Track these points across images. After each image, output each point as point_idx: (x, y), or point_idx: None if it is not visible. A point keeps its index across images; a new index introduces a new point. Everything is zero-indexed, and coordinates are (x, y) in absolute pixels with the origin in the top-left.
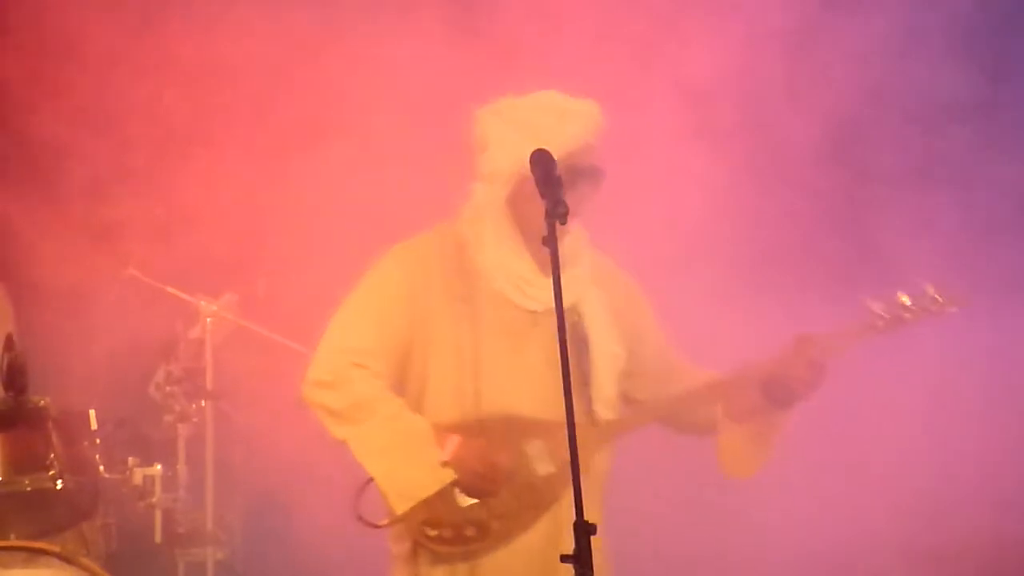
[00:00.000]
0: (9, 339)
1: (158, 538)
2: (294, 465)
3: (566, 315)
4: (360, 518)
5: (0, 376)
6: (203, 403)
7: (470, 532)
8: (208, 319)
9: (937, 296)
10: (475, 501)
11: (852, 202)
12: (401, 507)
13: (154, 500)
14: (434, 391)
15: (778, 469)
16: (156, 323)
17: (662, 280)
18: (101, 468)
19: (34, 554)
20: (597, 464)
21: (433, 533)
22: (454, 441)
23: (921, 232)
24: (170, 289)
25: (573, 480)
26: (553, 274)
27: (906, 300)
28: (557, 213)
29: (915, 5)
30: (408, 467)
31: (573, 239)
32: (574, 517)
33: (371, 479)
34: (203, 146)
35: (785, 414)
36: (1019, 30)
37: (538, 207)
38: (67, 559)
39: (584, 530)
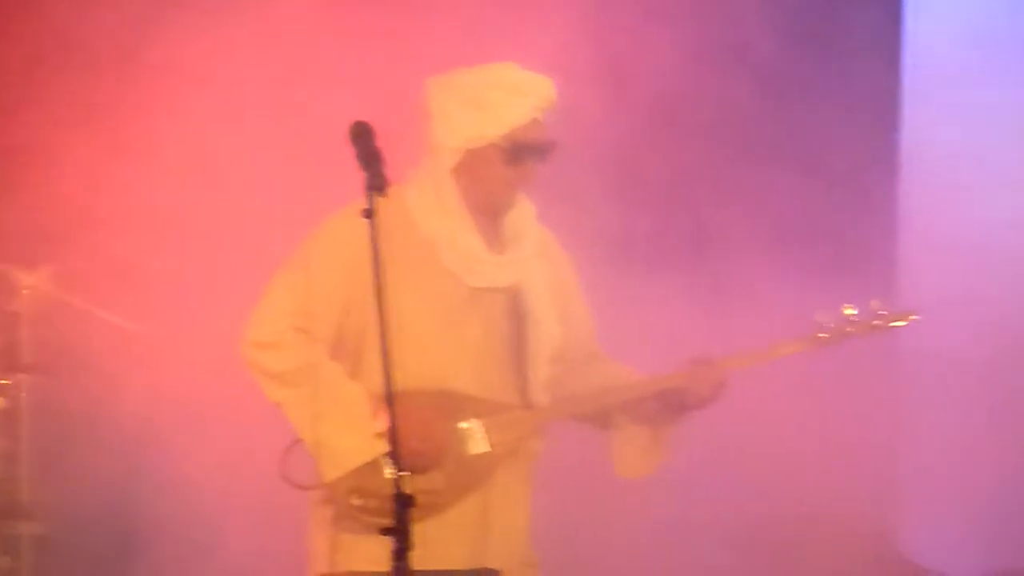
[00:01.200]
0: None
1: None
2: (112, 440)
3: (509, 292)
4: (285, 478)
5: None
6: (19, 377)
7: None
8: (24, 291)
9: (882, 311)
10: (405, 473)
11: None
12: (331, 474)
13: None
14: (369, 361)
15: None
16: None
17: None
18: None
19: None
20: (533, 449)
21: (359, 502)
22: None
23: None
24: None
25: (391, 447)
26: (372, 243)
27: (852, 313)
28: (376, 186)
29: None
30: (342, 435)
31: (519, 215)
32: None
33: (298, 440)
34: (26, 114)
35: (678, 420)
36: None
37: (484, 181)
38: None
39: (403, 502)
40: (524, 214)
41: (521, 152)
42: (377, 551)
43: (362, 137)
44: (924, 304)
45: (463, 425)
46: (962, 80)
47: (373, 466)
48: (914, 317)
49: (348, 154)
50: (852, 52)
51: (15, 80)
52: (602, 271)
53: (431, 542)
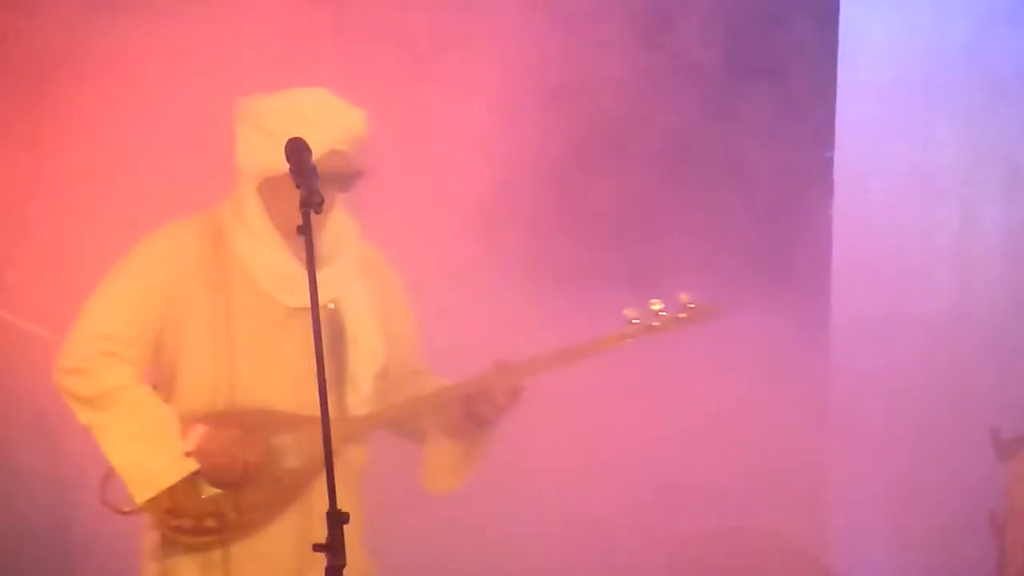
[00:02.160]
0: None
1: None
2: (38, 453)
3: (326, 311)
4: (105, 502)
5: None
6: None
7: (210, 523)
8: None
9: (690, 304)
10: (218, 492)
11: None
12: (141, 496)
13: None
14: (185, 380)
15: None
16: None
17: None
18: None
19: None
20: (349, 458)
21: (174, 523)
22: (198, 431)
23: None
24: None
25: (327, 470)
26: (308, 265)
27: (658, 307)
28: (312, 203)
29: None
30: (149, 456)
31: (336, 233)
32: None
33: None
34: None
35: (485, 433)
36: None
37: (288, 202)
38: None
39: (337, 519)
40: (343, 233)
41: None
42: (203, 573)
43: (297, 153)
44: (857, 320)
45: (276, 441)
46: (895, 94)
47: (188, 486)
48: (719, 311)
49: None
50: (788, 71)
51: None
52: (540, 297)
53: (256, 563)
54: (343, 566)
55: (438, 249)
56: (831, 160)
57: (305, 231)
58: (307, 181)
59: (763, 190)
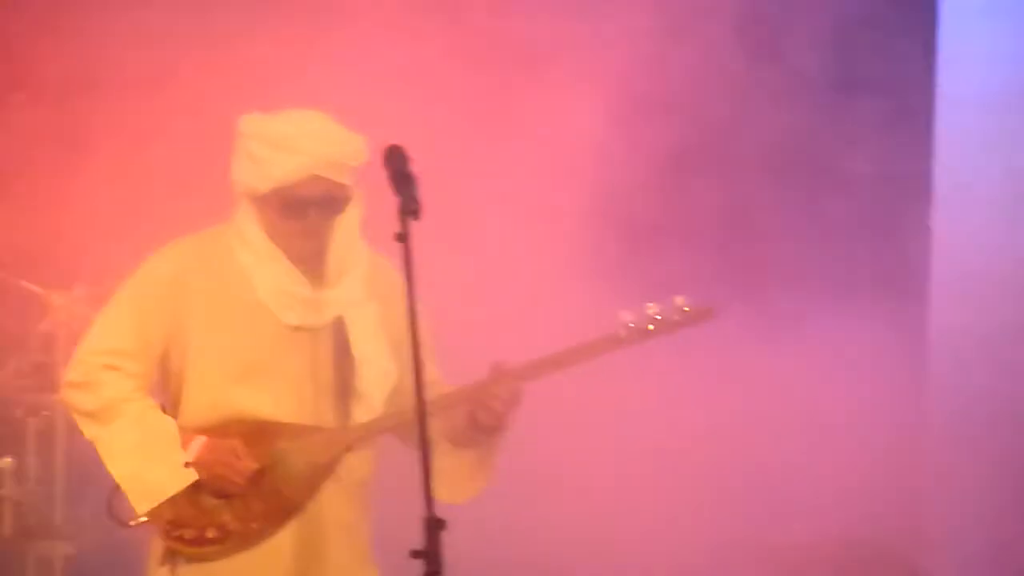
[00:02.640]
0: None
1: (7, 531)
2: None
3: (330, 329)
4: (112, 515)
5: None
6: (54, 396)
7: (211, 534)
8: (58, 312)
9: (685, 307)
10: (220, 503)
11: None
12: (142, 508)
13: (4, 492)
14: (190, 395)
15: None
16: (5, 316)
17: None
18: None
19: None
20: (353, 470)
21: (176, 533)
22: (199, 442)
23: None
24: (22, 282)
25: (424, 473)
26: (406, 271)
27: (653, 311)
28: (409, 210)
29: None
30: (150, 468)
31: (341, 255)
32: (425, 513)
33: None
34: (56, 137)
35: (492, 441)
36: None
37: (272, 227)
38: None
39: (434, 525)
40: (348, 255)
41: (294, 208)
42: None
43: (395, 160)
44: (956, 329)
45: (277, 450)
46: (996, 106)
47: (189, 497)
48: (713, 314)
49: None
50: (888, 81)
51: (47, 101)
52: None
53: (257, 570)
54: (439, 573)
55: (545, 255)
56: (931, 170)
57: (403, 239)
58: (405, 189)
59: (863, 199)
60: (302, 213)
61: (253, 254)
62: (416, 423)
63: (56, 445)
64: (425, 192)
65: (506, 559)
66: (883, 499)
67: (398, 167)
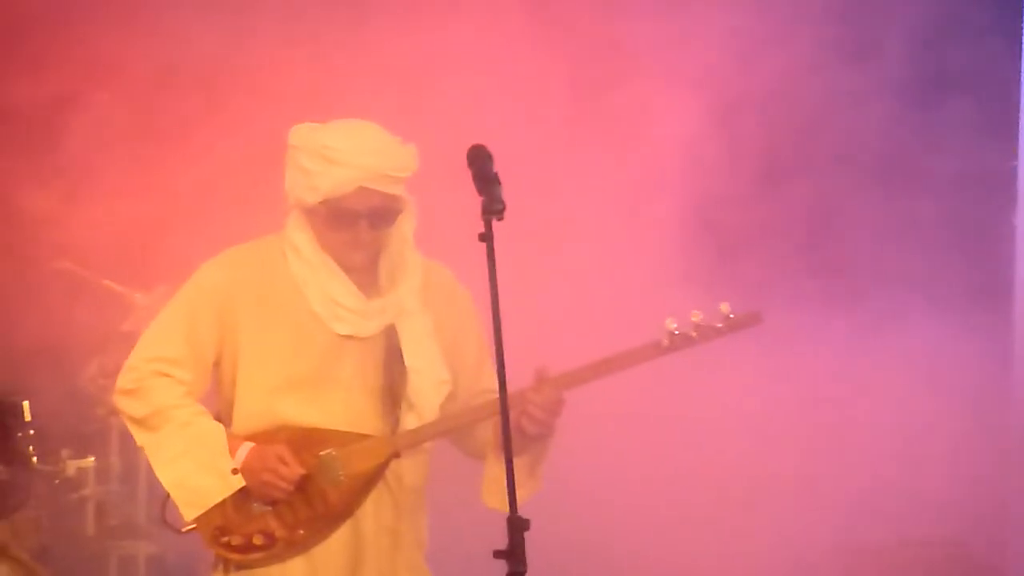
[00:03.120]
0: None
1: (90, 531)
2: None
3: (381, 338)
4: (165, 522)
5: None
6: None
7: (258, 540)
8: (139, 312)
9: (730, 314)
10: (268, 509)
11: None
12: (190, 514)
13: (87, 492)
14: (241, 402)
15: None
16: (89, 316)
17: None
18: (34, 460)
19: None
20: (403, 477)
21: (223, 540)
22: (246, 448)
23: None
24: (105, 281)
25: (507, 472)
26: (489, 271)
27: (697, 318)
28: (493, 210)
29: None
30: (197, 474)
31: (393, 264)
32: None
33: None
34: (140, 141)
35: (541, 448)
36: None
37: (334, 232)
38: None
39: (517, 526)
40: (401, 264)
41: (343, 219)
42: None
43: (478, 160)
44: None
45: (324, 457)
46: None
47: (237, 503)
48: (758, 321)
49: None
50: (973, 82)
51: (129, 102)
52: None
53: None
54: (523, 573)
55: (635, 257)
56: (1015, 169)
57: (487, 239)
58: (488, 189)
59: (948, 199)
60: (351, 225)
61: (305, 264)
62: (501, 423)
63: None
64: (516, 193)
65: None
66: (966, 503)
67: (481, 167)
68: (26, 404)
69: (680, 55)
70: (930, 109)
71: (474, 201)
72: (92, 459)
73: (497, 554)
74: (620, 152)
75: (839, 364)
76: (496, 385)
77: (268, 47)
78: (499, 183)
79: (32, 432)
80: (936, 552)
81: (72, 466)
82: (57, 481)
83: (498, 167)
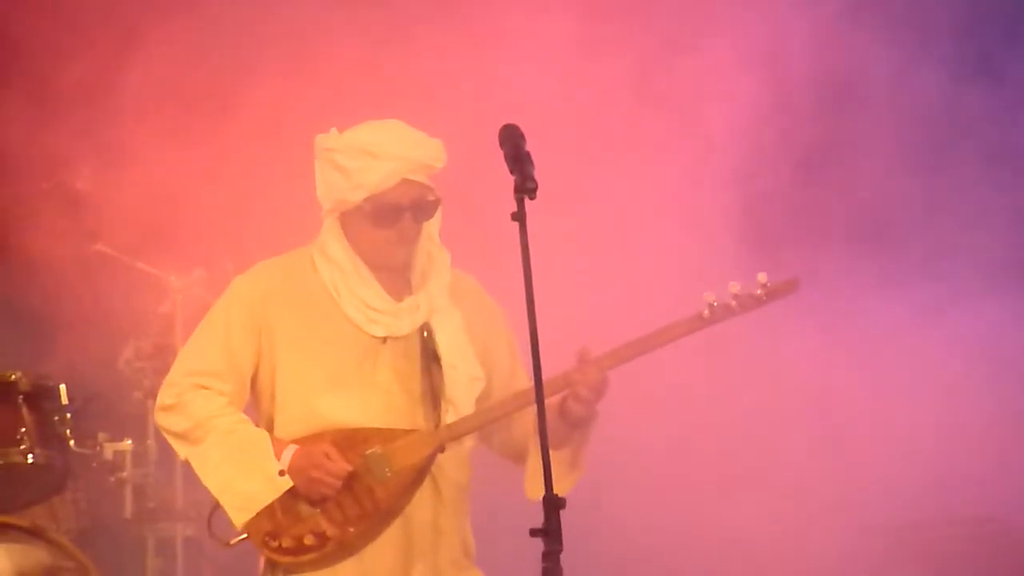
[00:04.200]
0: None
1: (128, 513)
2: None
3: (416, 337)
4: (212, 535)
5: None
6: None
7: (309, 541)
8: (177, 295)
9: (767, 283)
10: (316, 510)
11: None
12: (239, 519)
13: (124, 475)
14: (282, 410)
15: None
16: (126, 299)
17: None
18: (71, 443)
19: (3, 528)
20: (448, 473)
21: (274, 544)
22: (291, 450)
23: None
24: (140, 264)
25: (543, 455)
26: (522, 252)
27: (735, 289)
28: (526, 188)
29: None
30: (244, 479)
31: (425, 262)
32: (545, 491)
33: None
34: (175, 123)
35: (582, 433)
36: None
37: (362, 239)
38: (36, 533)
39: (553, 504)
40: (433, 262)
41: (388, 214)
42: None
43: (511, 140)
44: None
45: (369, 453)
46: None
47: (286, 506)
48: (795, 288)
49: None
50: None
51: (165, 86)
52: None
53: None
54: (560, 551)
55: (688, 238)
56: None
57: (520, 217)
58: (521, 168)
59: (1009, 177)
60: (395, 220)
61: (336, 271)
62: (536, 404)
63: None
64: (565, 171)
65: (598, 549)
66: (1012, 480)
67: (514, 146)
68: (63, 387)
69: (742, 38)
70: (989, 85)
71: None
72: (129, 442)
73: (534, 532)
74: (674, 133)
75: (895, 343)
76: (529, 384)
77: (307, 22)
78: (531, 162)
79: (69, 416)
80: (979, 530)
81: (109, 449)
82: (95, 464)
83: (545, 146)
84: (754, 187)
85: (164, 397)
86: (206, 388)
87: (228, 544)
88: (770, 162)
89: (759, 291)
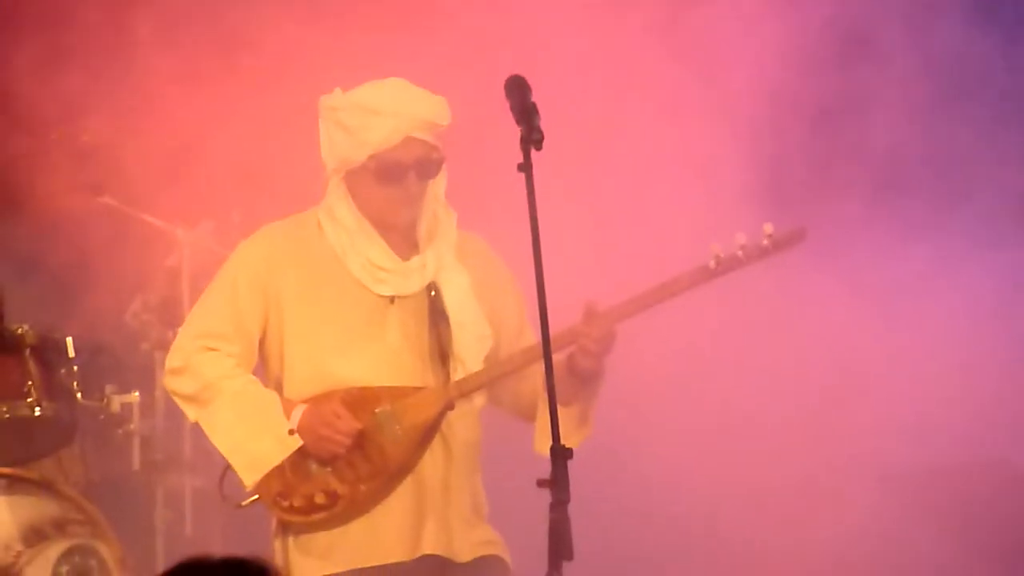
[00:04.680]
0: None
1: (136, 465)
2: None
3: (424, 295)
4: (224, 497)
5: None
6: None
7: (320, 499)
8: (185, 248)
9: (772, 233)
10: (327, 469)
11: None
12: (249, 479)
13: (132, 427)
14: (291, 372)
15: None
16: (132, 252)
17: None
18: (79, 395)
19: (12, 481)
20: (458, 431)
21: (286, 504)
22: (300, 409)
23: None
24: (146, 217)
25: (551, 408)
26: (529, 206)
27: (741, 240)
28: (532, 139)
29: None
30: (253, 439)
31: (431, 221)
32: (552, 443)
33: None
34: (180, 75)
35: (591, 389)
36: None
37: (368, 199)
38: (45, 486)
39: (560, 454)
40: (439, 221)
41: (392, 172)
42: (324, 555)
43: (517, 91)
44: None
45: (379, 411)
46: None
47: (296, 465)
48: (801, 237)
49: None
50: None
51: (173, 41)
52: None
53: (368, 532)
54: (567, 501)
55: (704, 183)
56: None
57: (526, 168)
58: (527, 119)
59: None
60: (400, 178)
61: (343, 231)
62: (543, 358)
63: None
64: (578, 123)
65: (614, 508)
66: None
67: (520, 97)
68: (69, 340)
69: None
70: (1012, 25)
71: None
72: (136, 394)
73: (541, 483)
74: (691, 82)
75: (915, 291)
76: (536, 341)
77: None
78: (537, 113)
79: (76, 368)
80: (998, 475)
81: (117, 401)
82: (102, 417)
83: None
84: (772, 138)
85: (172, 360)
86: (214, 350)
87: (239, 505)
88: (790, 112)
89: (765, 241)
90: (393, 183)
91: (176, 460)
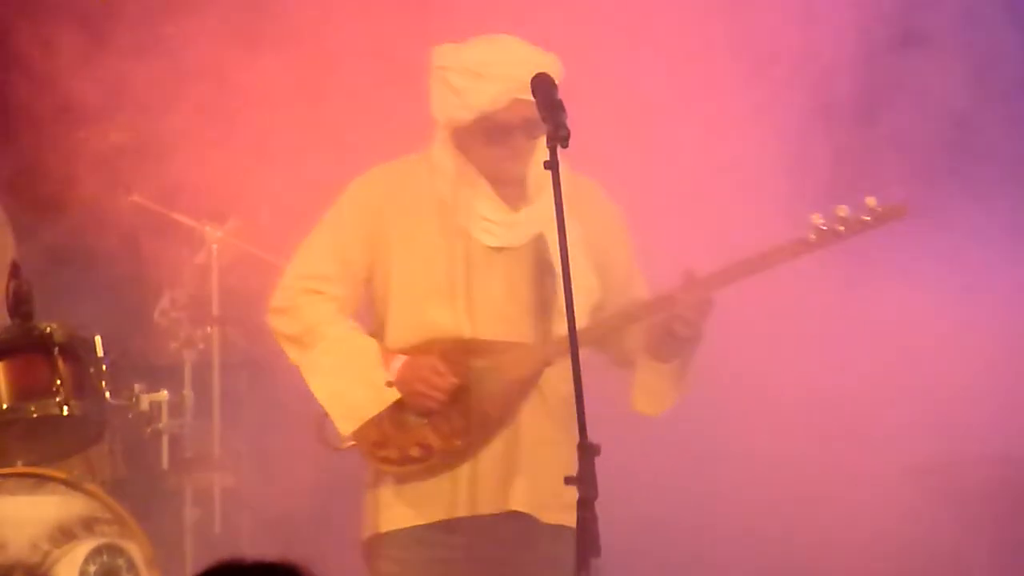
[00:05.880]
0: (14, 266)
1: (165, 464)
2: (300, 390)
3: (530, 247)
4: (321, 440)
5: (6, 303)
6: (209, 329)
7: (415, 452)
8: (213, 245)
9: (876, 207)
10: (424, 421)
11: None
12: (346, 428)
13: (161, 426)
14: (394, 317)
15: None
16: (161, 249)
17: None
18: (107, 394)
19: (40, 480)
20: (555, 386)
21: (381, 454)
22: (399, 360)
23: None
24: (175, 215)
25: (576, 398)
26: (556, 200)
27: (843, 212)
28: (558, 136)
29: None
30: (352, 388)
31: (540, 172)
32: (579, 438)
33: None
34: (206, 73)
35: (688, 352)
36: None
37: (482, 148)
38: (73, 485)
39: (588, 451)
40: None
41: (499, 133)
42: (415, 505)
43: (543, 88)
44: None
45: (476, 366)
46: None
47: (393, 417)
48: (904, 212)
49: None
50: None
51: (199, 34)
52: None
53: (461, 486)
54: (595, 498)
55: (773, 151)
56: None
57: (552, 166)
58: (553, 116)
59: None
60: (506, 138)
61: (449, 184)
62: (570, 349)
63: (212, 377)
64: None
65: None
66: None
67: (546, 94)
68: (98, 338)
69: None
70: None
71: None
72: (165, 393)
73: (568, 480)
74: (754, 59)
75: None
76: (645, 295)
77: None
78: (563, 110)
79: (105, 366)
80: (996, 469)
81: (145, 400)
82: (131, 415)
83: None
84: (840, 97)
85: (277, 300)
86: (318, 292)
87: (338, 448)
88: (854, 66)
89: (866, 216)
90: (500, 143)
91: (205, 459)
